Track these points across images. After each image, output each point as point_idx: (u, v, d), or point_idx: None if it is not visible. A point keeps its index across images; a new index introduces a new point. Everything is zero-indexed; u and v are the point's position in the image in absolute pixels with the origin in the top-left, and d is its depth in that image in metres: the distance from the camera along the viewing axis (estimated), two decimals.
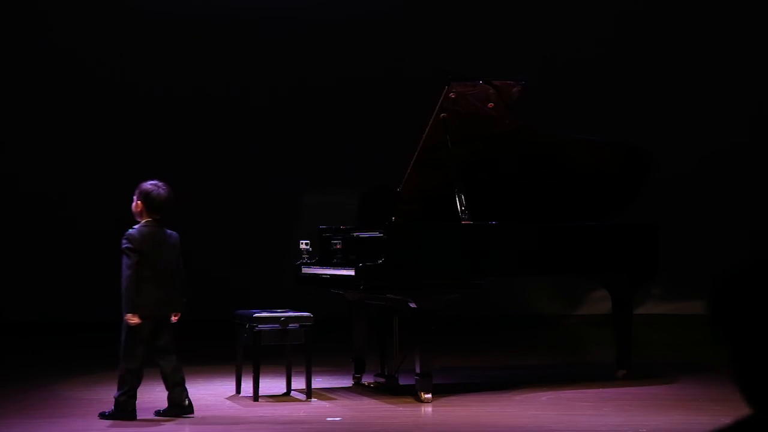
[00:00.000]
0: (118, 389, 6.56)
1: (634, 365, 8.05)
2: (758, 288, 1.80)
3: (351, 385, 7.93)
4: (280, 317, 7.24)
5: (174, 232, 6.71)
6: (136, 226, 6.63)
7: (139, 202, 6.65)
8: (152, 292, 6.53)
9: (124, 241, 6.56)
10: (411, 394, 7.26)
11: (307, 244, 7.91)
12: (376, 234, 7.24)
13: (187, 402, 6.66)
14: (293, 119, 12.50)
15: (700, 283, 12.31)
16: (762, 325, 1.80)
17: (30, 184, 12.06)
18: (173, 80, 12.30)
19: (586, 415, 6.72)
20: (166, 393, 6.71)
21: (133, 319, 6.48)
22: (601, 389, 7.64)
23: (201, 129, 12.37)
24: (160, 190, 6.66)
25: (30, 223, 12.09)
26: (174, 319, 6.65)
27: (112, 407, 6.59)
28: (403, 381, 7.60)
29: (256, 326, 7.20)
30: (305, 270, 7.87)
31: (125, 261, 6.54)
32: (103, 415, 6.61)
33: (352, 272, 7.13)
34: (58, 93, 12.17)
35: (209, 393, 7.61)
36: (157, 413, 6.67)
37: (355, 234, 7.57)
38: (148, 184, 6.68)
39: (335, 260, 7.69)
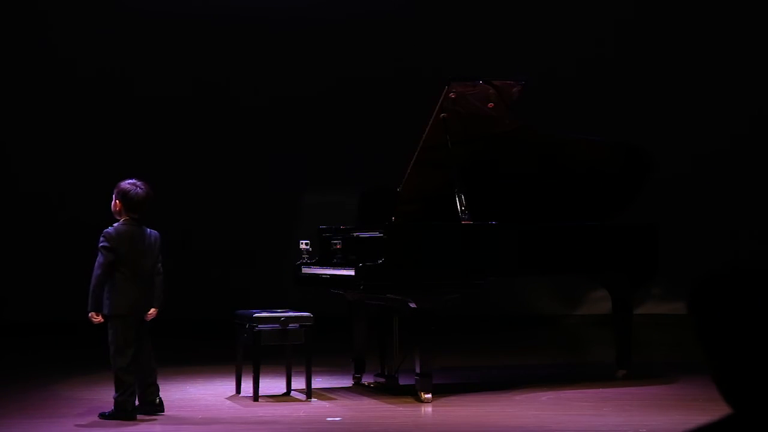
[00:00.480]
0: (116, 390, 6.57)
1: (634, 365, 8.05)
2: (735, 290, 1.85)
3: (351, 385, 7.93)
4: (280, 317, 7.24)
5: (154, 231, 6.71)
6: (114, 225, 6.65)
7: (117, 201, 6.66)
8: (130, 290, 6.55)
9: (100, 239, 6.57)
10: (411, 394, 7.26)
11: (307, 244, 7.91)
12: (376, 234, 7.24)
13: (158, 401, 6.70)
14: (293, 119, 12.50)
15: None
16: (738, 326, 1.85)
17: (30, 184, 12.06)
18: (173, 80, 12.30)
19: (586, 415, 6.72)
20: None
21: (95, 318, 6.51)
22: (601, 389, 7.64)
23: (201, 129, 12.36)
24: (138, 189, 6.65)
25: (30, 222, 12.09)
26: (150, 315, 6.64)
27: (112, 407, 6.60)
28: (403, 381, 7.60)
29: (256, 326, 7.20)
30: (305, 270, 7.87)
31: (99, 259, 6.56)
32: (103, 416, 6.61)
33: (352, 272, 7.13)
34: (60, 93, 12.16)
35: (209, 393, 7.62)
36: None
37: (355, 234, 7.57)
38: (126, 183, 6.69)
39: (335, 260, 7.69)
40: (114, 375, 6.58)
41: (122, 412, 6.55)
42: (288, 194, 12.40)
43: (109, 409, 6.62)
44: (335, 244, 7.73)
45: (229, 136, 12.40)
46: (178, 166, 12.04)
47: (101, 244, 6.56)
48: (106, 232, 6.59)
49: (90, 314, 6.53)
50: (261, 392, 7.24)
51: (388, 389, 7.58)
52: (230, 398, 7.41)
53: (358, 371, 7.99)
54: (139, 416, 6.61)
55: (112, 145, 12.10)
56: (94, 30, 12.19)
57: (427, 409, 6.99)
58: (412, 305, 7.09)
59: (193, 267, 11.76)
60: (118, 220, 6.69)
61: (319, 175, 12.41)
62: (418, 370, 7.10)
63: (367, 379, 7.91)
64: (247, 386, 7.37)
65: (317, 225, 8.16)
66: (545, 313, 12.55)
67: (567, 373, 8.77)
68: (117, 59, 12.21)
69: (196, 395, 7.56)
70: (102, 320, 6.52)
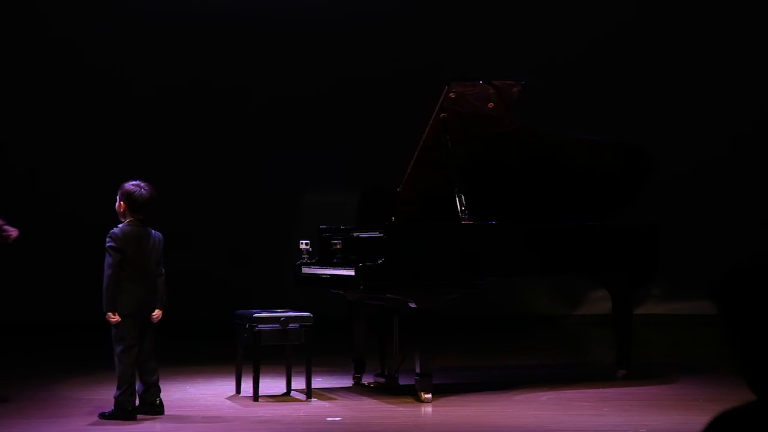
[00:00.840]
0: (118, 388, 6.58)
1: (634, 365, 8.05)
2: (763, 281, 1.93)
3: (351, 385, 7.93)
4: (280, 317, 7.24)
5: (158, 233, 6.76)
6: (119, 225, 6.68)
7: (122, 202, 6.69)
8: (136, 290, 6.59)
9: (107, 240, 6.62)
10: (411, 394, 7.26)
11: (307, 244, 7.91)
12: (376, 234, 7.24)
13: (158, 402, 6.71)
14: (293, 119, 12.50)
15: (700, 283, 12.29)
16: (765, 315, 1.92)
17: (29, 184, 12.06)
18: (173, 79, 12.30)
19: (586, 415, 6.72)
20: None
21: (113, 318, 6.53)
22: (601, 389, 7.64)
23: (201, 129, 12.37)
24: (143, 190, 6.70)
25: (29, 222, 12.06)
26: (155, 317, 6.66)
27: (113, 407, 6.60)
28: (403, 381, 7.60)
29: (256, 326, 7.20)
30: (305, 270, 7.87)
31: (107, 260, 6.61)
32: (103, 416, 6.62)
33: (352, 272, 7.13)
34: (58, 92, 12.16)
35: (209, 393, 7.62)
36: None
37: (355, 234, 7.57)
38: (130, 185, 6.73)
39: (335, 260, 7.69)
40: (117, 373, 6.59)
41: (122, 411, 6.55)
42: (288, 194, 12.40)
43: (109, 409, 6.62)
44: (335, 244, 7.73)
45: (229, 136, 12.40)
46: (178, 167, 12.03)
47: (108, 245, 6.60)
48: (113, 232, 6.63)
49: (107, 314, 6.56)
50: (261, 392, 7.24)
51: (388, 389, 7.58)
52: (230, 398, 7.41)
53: (358, 371, 7.99)
54: (139, 416, 6.61)
55: (111, 145, 12.10)
56: (94, 29, 12.18)
57: (427, 409, 6.99)
58: (412, 305, 7.09)
59: (193, 267, 11.76)
60: (120, 221, 6.72)
61: (319, 175, 12.40)
62: (418, 370, 7.10)
63: (367, 379, 7.91)
64: (247, 386, 7.37)
65: (317, 225, 8.16)
66: (545, 313, 12.56)
67: (567, 373, 8.77)
68: (116, 58, 12.21)
69: (196, 395, 7.56)
70: (120, 319, 6.54)
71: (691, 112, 12.54)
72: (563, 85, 12.23)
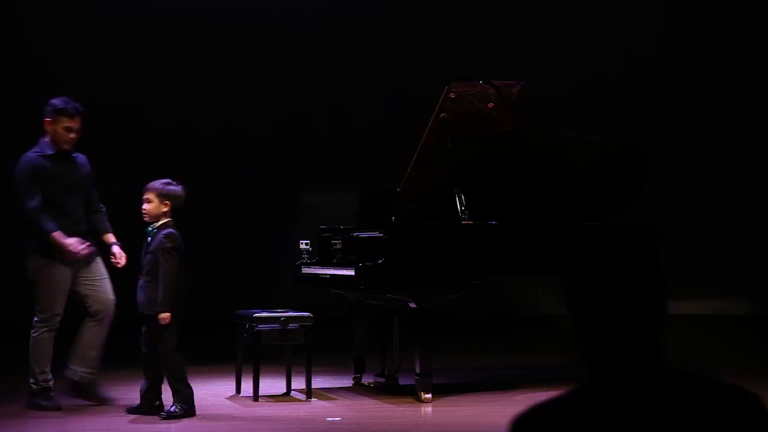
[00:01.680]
0: (181, 385, 6.60)
1: None
2: (606, 267, 2.07)
3: (351, 385, 7.93)
4: (280, 317, 7.24)
5: None
6: (170, 227, 6.64)
7: (166, 202, 6.63)
8: (183, 291, 6.65)
9: (167, 241, 6.57)
10: (411, 394, 7.26)
11: (307, 244, 7.91)
12: (376, 234, 7.24)
13: (157, 403, 6.74)
14: (293, 119, 12.50)
15: (700, 283, 12.27)
16: (606, 298, 2.07)
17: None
18: (171, 79, 12.30)
19: None
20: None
21: (168, 318, 6.52)
22: None
23: (200, 128, 12.36)
24: (180, 187, 6.72)
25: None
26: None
27: (177, 405, 6.60)
28: (403, 381, 7.60)
29: (256, 326, 7.20)
30: (305, 270, 7.87)
31: (170, 260, 6.56)
32: (168, 415, 6.60)
33: (352, 272, 7.14)
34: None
35: (209, 393, 7.61)
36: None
37: (355, 234, 7.57)
38: (167, 185, 6.69)
39: (335, 260, 7.69)
40: (172, 373, 6.61)
41: (192, 406, 6.62)
42: (288, 194, 12.40)
43: (173, 407, 6.62)
44: (335, 244, 7.73)
45: (229, 136, 12.40)
46: (177, 167, 11.99)
47: (170, 245, 6.58)
48: (172, 233, 6.60)
49: (163, 314, 6.52)
50: (261, 392, 7.25)
51: (388, 389, 7.58)
52: (230, 398, 7.41)
53: (358, 371, 7.99)
54: (137, 416, 6.62)
55: (111, 144, 12.08)
56: (83, 38, 12.14)
57: (427, 409, 6.99)
58: (412, 305, 7.09)
59: (193, 267, 11.73)
60: (148, 222, 6.70)
61: (319, 175, 12.40)
62: (418, 370, 7.10)
63: (367, 379, 7.91)
64: (247, 386, 7.37)
65: (317, 225, 8.16)
66: (545, 313, 12.55)
67: (567, 373, 8.75)
68: (112, 61, 12.20)
69: (196, 395, 7.54)
70: (169, 318, 6.55)
71: (693, 117, 12.54)
72: (566, 91, 12.22)
